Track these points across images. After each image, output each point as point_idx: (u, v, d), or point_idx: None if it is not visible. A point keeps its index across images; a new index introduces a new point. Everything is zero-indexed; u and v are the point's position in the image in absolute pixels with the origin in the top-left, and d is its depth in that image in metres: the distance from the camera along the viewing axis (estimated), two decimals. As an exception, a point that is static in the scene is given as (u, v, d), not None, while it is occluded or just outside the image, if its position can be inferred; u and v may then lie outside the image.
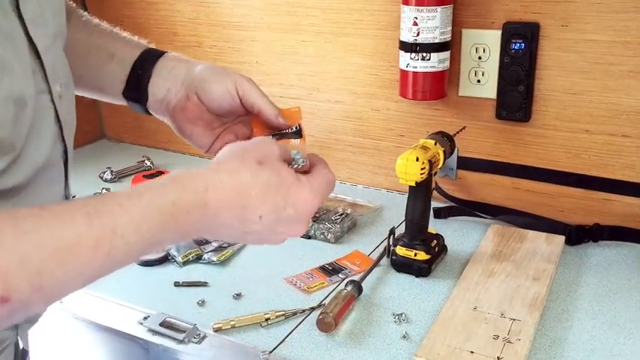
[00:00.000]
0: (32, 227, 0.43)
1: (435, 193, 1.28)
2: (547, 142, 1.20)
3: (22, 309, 0.43)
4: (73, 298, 0.99)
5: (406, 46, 1.17)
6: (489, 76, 1.20)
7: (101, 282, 1.01)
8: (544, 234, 1.13)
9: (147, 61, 0.72)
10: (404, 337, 0.88)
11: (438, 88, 1.20)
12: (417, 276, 1.03)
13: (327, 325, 0.89)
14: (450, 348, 0.82)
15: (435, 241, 1.06)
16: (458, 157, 1.30)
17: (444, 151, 1.03)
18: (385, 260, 1.08)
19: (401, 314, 0.93)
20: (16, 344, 0.70)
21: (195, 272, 1.06)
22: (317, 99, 1.42)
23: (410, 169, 0.96)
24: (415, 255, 1.03)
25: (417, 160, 0.96)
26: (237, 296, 0.99)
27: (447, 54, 1.18)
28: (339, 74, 1.37)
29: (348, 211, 1.24)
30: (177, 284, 1.02)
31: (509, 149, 1.24)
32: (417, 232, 1.04)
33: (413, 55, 1.16)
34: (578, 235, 1.13)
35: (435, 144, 1.02)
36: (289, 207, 0.56)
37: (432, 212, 1.24)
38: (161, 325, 0.89)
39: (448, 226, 1.22)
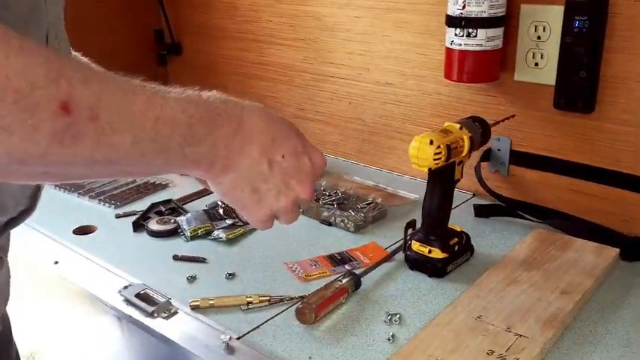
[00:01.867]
0: (95, 69, 0.45)
1: (480, 189, 1.16)
2: (613, 139, 1.03)
3: (76, 134, 0.41)
4: (67, 260, 0.98)
5: (451, 21, 1.05)
6: (549, 59, 1.05)
7: (102, 246, 1.00)
8: (594, 244, 0.97)
9: None
10: (389, 339, 0.78)
11: (486, 69, 1.07)
12: (429, 275, 0.92)
13: (305, 316, 0.80)
14: (430, 357, 0.71)
15: (456, 239, 0.93)
16: (511, 150, 1.15)
17: (471, 138, 0.90)
18: (402, 256, 0.97)
19: (395, 314, 0.82)
20: None
21: (199, 248, 1.02)
22: (366, 80, 1.33)
23: (422, 153, 0.85)
24: (429, 252, 0.92)
25: (431, 143, 0.85)
26: (230, 276, 0.93)
27: (497, 31, 1.04)
28: (389, 54, 1.27)
29: (378, 200, 1.14)
30: (175, 258, 0.98)
31: (568, 145, 1.08)
32: (432, 226, 0.92)
33: (458, 30, 1.04)
34: (637, 249, 0.96)
35: (461, 128, 0.90)
36: (305, 155, 0.59)
37: (472, 210, 1.13)
38: (136, 295, 0.85)
39: (488, 226, 1.09)
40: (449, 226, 0.95)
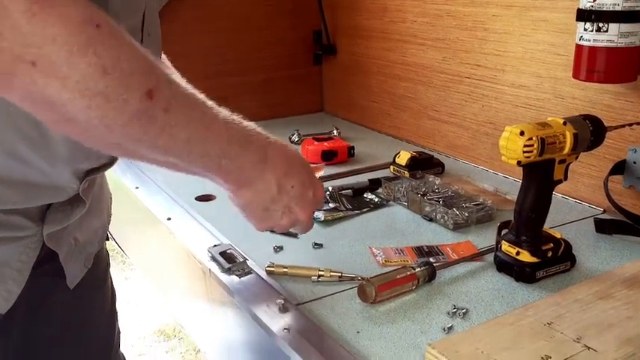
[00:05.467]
0: (176, 77, 0.57)
1: (609, 205, 1.05)
2: None
3: (151, 117, 0.52)
4: (178, 218, 1.08)
5: (581, 15, 0.97)
6: (697, 61, 0.92)
7: (212, 212, 1.08)
8: None
9: None
10: (444, 329, 0.74)
11: (617, 69, 0.96)
12: (516, 279, 0.86)
13: (365, 294, 0.80)
14: (476, 351, 0.66)
15: (552, 244, 0.86)
16: (649, 164, 1.03)
17: (575, 135, 0.82)
18: (492, 257, 0.92)
19: (462, 309, 0.78)
20: (44, 243, 0.68)
21: (298, 225, 1.06)
22: (500, 82, 1.27)
23: (511, 144, 0.80)
24: (517, 254, 0.85)
25: (522, 134, 0.79)
26: (317, 246, 0.97)
27: (633, 27, 0.94)
28: (525, 54, 1.21)
29: (488, 202, 1.08)
30: (272, 231, 1.03)
31: None
32: (523, 227, 0.86)
33: (587, 25, 0.96)
34: None
35: (565, 124, 0.83)
36: (311, 188, 0.72)
37: (593, 224, 1.02)
38: (220, 253, 0.91)
39: (608, 243, 0.98)
40: (547, 230, 0.88)
